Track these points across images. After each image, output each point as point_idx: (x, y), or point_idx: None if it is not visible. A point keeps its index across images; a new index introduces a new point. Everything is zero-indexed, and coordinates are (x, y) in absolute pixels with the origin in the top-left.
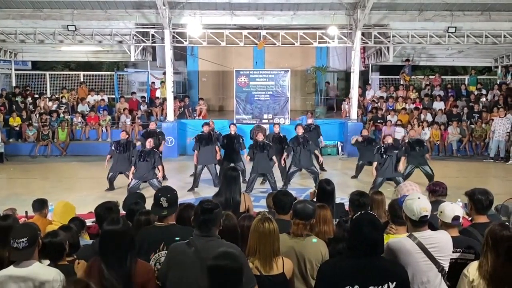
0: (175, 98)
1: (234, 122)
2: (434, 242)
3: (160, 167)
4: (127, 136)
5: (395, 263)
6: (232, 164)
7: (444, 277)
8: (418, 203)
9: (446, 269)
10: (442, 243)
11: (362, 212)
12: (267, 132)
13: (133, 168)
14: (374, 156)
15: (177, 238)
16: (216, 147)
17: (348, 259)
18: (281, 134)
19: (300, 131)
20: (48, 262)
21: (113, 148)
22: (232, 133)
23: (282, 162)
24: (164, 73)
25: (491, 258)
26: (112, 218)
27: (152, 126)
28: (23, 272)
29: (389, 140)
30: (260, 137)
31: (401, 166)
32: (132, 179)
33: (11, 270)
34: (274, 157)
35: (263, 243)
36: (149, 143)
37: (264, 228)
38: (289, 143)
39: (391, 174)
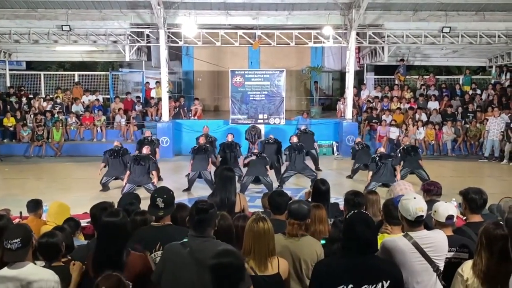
0: (170, 98)
1: (230, 123)
2: (429, 242)
3: (154, 172)
4: (120, 145)
5: (389, 262)
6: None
7: (439, 276)
8: (414, 203)
9: (441, 268)
10: (437, 243)
11: (355, 211)
12: (262, 132)
13: (128, 172)
14: (369, 165)
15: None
16: (210, 159)
17: (342, 258)
18: (275, 139)
19: (294, 140)
20: (42, 263)
21: (107, 156)
22: (229, 140)
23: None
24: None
25: (485, 257)
26: (111, 211)
27: (147, 134)
28: (16, 273)
29: (381, 149)
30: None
31: (398, 176)
32: (126, 184)
33: (4, 271)
34: (268, 167)
35: (258, 243)
36: (146, 149)
37: (259, 228)
38: (284, 152)
39: (386, 179)
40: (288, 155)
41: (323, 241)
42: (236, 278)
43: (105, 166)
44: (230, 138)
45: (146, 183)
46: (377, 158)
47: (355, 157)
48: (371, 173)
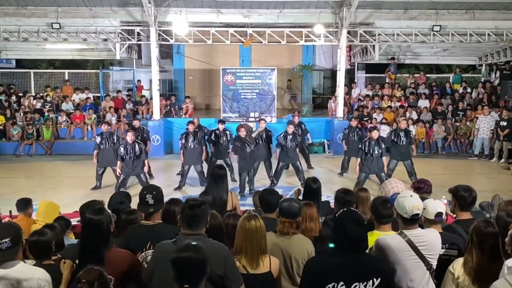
0: (161, 96)
1: (221, 118)
2: (424, 240)
3: (146, 161)
4: (109, 127)
5: (380, 260)
6: (220, 161)
7: (432, 275)
8: (410, 201)
9: (434, 267)
10: (431, 241)
11: (345, 209)
12: (254, 129)
13: (119, 163)
14: (358, 152)
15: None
16: (203, 147)
17: (333, 256)
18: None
19: (290, 130)
20: (32, 262)
21: (97, 142)
22: (221, 129)
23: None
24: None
25: (476, 255)
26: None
27: (136, 124)
28: (6, 273)
29: (375, 135)
30: (243, 133)
31: (385, 168)
32: (120, 175)
33: None
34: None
35: (250, 241)
36: (130, 136)
37: (251, 226)
38: (277, 139)
39: (375, 171)
40: (281, 145)
41: (331, 245)
42: (196, 272)
43: (98, 153)
44: (221, 127)
45: (140, 173)
46: (367, 144)
47: (347, 144)
48: (359, 160)
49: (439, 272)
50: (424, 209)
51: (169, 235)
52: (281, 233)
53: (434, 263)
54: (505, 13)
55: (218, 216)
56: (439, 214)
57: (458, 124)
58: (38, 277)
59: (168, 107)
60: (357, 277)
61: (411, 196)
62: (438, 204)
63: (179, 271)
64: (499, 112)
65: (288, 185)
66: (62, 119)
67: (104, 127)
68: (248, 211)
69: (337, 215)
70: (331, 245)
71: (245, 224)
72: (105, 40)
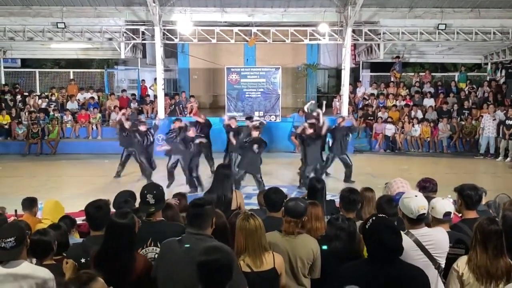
0: (166, 95)
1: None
2: (430, 239)
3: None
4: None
5: (414, 268)
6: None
7: (441, 273)
8: (416, 201)
9: (443, 266)
10: (438, 240)
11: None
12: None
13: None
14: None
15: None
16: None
17: (368, 264)
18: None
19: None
20: (33, 261)
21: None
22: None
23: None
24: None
25: (480, 252)
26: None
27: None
28: (11, 272)
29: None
30: (255, 134)
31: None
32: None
33: None
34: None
35: (252, 240)
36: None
37: (250, 225)
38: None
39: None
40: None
41: (324, 247)
42: (223, 275)
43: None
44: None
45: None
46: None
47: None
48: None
49: (446, 271)
50: (432, 208)
51: (171, 232)
52: (286, 233)
53: (442, 262)
54: (510, 11)
55: (222, 215)
56: (447, 214)
57: (463, 122)
58: (42, 276)
59: (173, 106)
60: (391, 286)
61: (416, 196)
62: (446, 204)
63: (205, 274)
64: (504, 111)
65: (291, 185)
66: (67, 119)
67: (175, 124)
68: (241, 210)
69: (369, 223)
70: (324, 247)
71: (245, 225)
72: (110, 39)
